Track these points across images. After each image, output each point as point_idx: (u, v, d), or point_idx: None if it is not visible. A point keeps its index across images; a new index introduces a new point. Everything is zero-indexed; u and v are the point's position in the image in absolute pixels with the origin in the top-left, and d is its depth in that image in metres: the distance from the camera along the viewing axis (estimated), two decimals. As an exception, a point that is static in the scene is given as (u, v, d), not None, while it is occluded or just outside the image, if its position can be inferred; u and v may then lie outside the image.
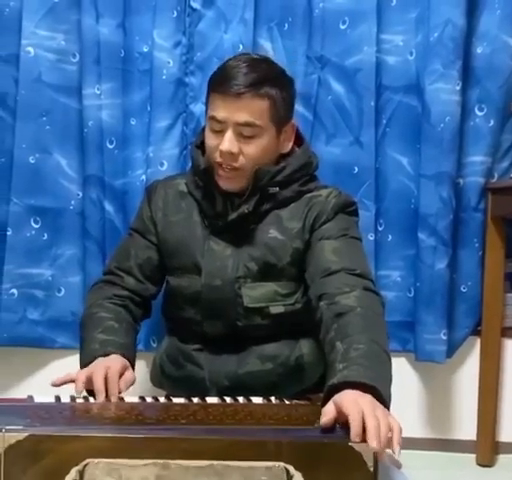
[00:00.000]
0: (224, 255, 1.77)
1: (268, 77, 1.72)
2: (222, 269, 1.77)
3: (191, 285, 1.79)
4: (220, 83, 1.72)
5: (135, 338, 1.81)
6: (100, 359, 1.63)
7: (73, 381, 1.58)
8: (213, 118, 1.73)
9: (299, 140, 1.83)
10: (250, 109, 1.69)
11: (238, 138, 1.71)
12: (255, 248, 1.77)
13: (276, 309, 1.77)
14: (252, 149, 1.72)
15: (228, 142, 1.70)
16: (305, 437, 1.30)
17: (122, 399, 1.55)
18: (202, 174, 1.78)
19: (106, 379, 1.56)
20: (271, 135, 1.74)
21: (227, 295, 1.77)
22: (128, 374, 1.62)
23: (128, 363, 1.66)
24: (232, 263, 1.77)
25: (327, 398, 1.38)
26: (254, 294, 1.77)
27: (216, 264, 1.77)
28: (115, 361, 1.63)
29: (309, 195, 1.79)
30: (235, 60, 1.76)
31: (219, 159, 1.73)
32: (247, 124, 1.70)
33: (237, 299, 1.77)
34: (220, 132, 1.72)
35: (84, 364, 1.66)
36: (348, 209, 1.80)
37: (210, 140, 1.75)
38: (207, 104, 1.77)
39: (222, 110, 1.70)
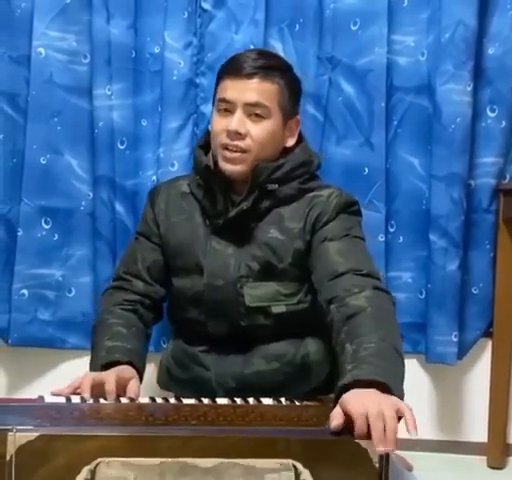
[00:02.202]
0: (226, 254, 1.77)
1: (278, 66, 1.77)
2: (224, 269, 1.77)
3: (194, 285, 1.80)
4: (230, 67, 1.76)
5: (146, 342, 1.81)
6: (113, 369, 1.62)
7: (75, 389, 1.56)
8: (222, 100, 1.75)
9: (299, 139, 1.83)
10: (260, 90, 1.73)
11: (246, 119, 1.73)
12: (256, 247, 1.77)
13: (278, 309, 1.77)
14: (259, 130, 1.73)
15: (237, 121, 1.72)
16: (313, 434, 1.32)
17: (133, 400, 1.55)
18: (204, 171, 1.78)
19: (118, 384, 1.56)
20: (278, 122, 1.75)
21: (229, 295, 1.77)
22: (131, 386, 1.60)
23: (136, 374, 1.64)
24: (234, 262, 1.77)
25: (338, 400, 1.37)
26: (255, 293, 1.76)
27: (218, 264, 1.77)
28: (126, 371, 1.62)
29: (310, 195, 1.79)
30: (246, 50, 1.84)
31: (225, 140, 1.73)
32: (256, 104, 1.72)
33: (239, 298, 1.76)
34: (228, 112, 1.74)
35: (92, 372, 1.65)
36: (350, 209, 1.79)
37: (217, 123, 1.76)
38: (215, 93, 1.79)
39: (232, 91, 1.73)
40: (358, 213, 1.82)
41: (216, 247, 1.78)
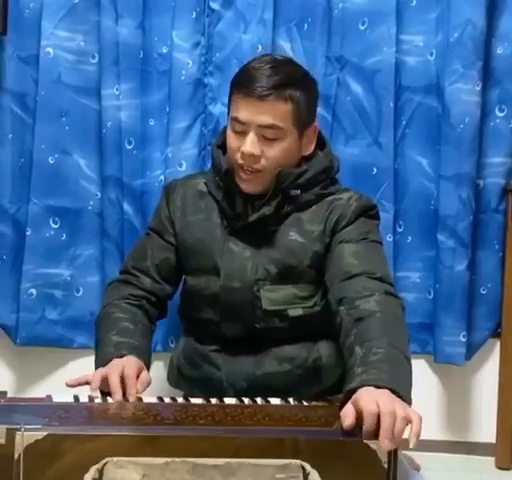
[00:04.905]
0: (243, 257, 1.77)
1: (292, 79, 1.72)
2: (241, 271, 1.76)
3: (209, 286, 1.79)
4: (243, 84, 1.72)
5: (151, 340, 1.80)
6: (115, 360, 1.62)
7: (88, 383, 1.58)
8: (236, 119, 1.72)
9: (321, 143, 1.83)
10: (273, 112, 1.69)
11: (260, 140, 1.71)
12: (275, 250, 1.76)
13: (295, 312, 1.76)
14: (274, 152, 1.72)
15: (250, 144, 1.70)
16: (321, 435, 1.31)
17: (140, 399, 1.55)
18: (223, 175, 1.78)
19: (123, 379, 1.56)
20: (293, 138, 1.74)
21: (245, 297, 1.76)
22: (144, 375, 1.61)
23: (143, 364, 1.65)
24: (251, 265, 1.76)
25: (345, 402, 1.37)
26: (273, 297, 1.76)
27: (235, 266, 1.77)
28: (130, 362, 1.62)
29: (330, 198, 1.79)
30: (258, 62, 1.76)
31: (240, 161, 1.72)
32: (270, 127, 1.70)
33: (256, 301, 1.76)
34: (242, 133, 1.72)
35: (98, 367, 1.65)
36: (369, 212, 1.79)
37: (232, 141, 1.75)
38: (229, 104, 1.77)
39: (245, 112, 1.70)
40: (376, 217, 1.82)
41: (233, 249, 1.78)
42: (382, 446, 1.27)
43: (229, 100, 1.78)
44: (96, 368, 1.67)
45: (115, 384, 1.54)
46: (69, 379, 1.60)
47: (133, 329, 1.73)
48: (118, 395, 1.53)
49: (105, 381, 1.56)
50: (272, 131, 1.70)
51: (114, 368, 1.58)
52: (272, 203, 1.74)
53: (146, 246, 1.88)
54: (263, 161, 1.72)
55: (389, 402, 1.31)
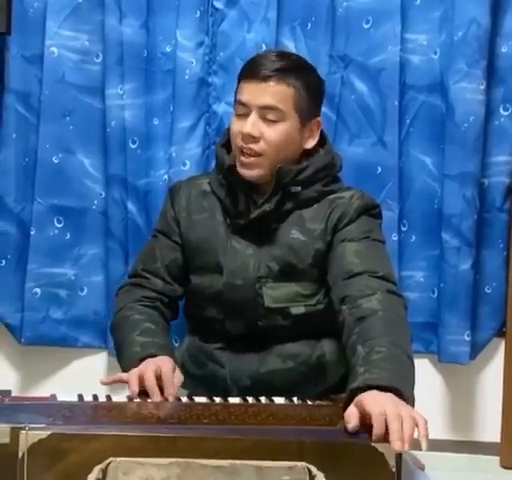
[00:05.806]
0: (246, 254, 1.77)
1: (296, 68, 1.75)
2: (243, 268, 1.76)
3: (212, 284, 1.79)
4: (248, 69, 1.76)
5: (170, 339, 1.81)
6: (150, 360, 1.62)
7: (122, 381, 1.59)
8: (238, 102, 1.75)
9: (322, 140, 1.83)
10: (274, 93, 1.71)
11: (261, 122, 1.72)
12: (277, 248, 1.77)
13: (297, 310, 1.76)
14: (273, 134, 1.72)
15: (250, 125, 1.71)
16: (328, 437, 1.30)
17: (179, 399, 1.55)
18: (227, 172, 1.78)
19: (159, 379, 1.56)
20: (294, 124, 1.74)
21: (248, 295, 1.76)
22: (177, 374, 1.62)
23: (175, 364, 1.65)
24: (253, 262, 1.76)
25: (349, 402, 1.37)
26: (275, 294, 1.76)
27: (237, 263, 1.77)
28: (165, 361, 1.62)
29: (332, 196, 1.78)
30: (266, 51, 1.84)
31: (240, 143, 1.73)
32: (270, 107, 1.71)
33: (258, 299, 1.76)
34: (244, 116, 1.73)
35: (126, 368, 1.65)
36: (371, 211, 1.79)
37: (235, 126, 1.76)
38: (235, 94, 1.79)
39: (247, 93, 1.73)
40: (379, 216, 1.82)
41: (236, 246, 1.78)
42: (394, 448, 1.24)
43: (236, 90, 1.79)
44: (123, 368, 1.67)
45: (152, 384, 1.55)
46: (103, 377, 1.60)
47: (155, 329, 1.73)
48: (156, 395, 1.54)
49: (141, 380, 1.57)
50: (273, 112, 1.72)
51: (150, 367, 1.59)
52: (272, 200, 1.74)
53: (155, 248, 1.88)
54: (262, 143, 1.72)
55: (394, 405, 1.31)
